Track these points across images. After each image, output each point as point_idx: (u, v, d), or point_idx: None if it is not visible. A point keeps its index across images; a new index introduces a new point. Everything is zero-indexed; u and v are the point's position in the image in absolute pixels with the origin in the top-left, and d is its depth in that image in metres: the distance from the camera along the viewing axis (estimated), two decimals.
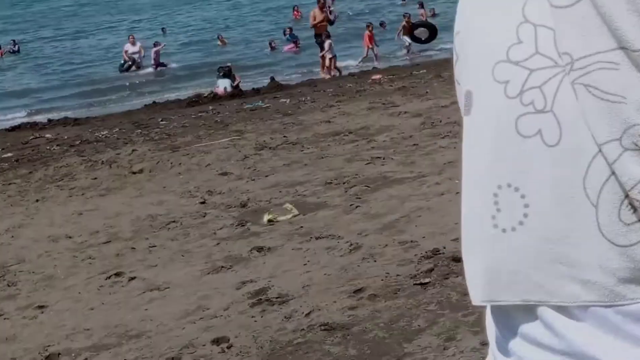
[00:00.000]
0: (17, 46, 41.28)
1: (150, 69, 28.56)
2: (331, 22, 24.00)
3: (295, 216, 7.72)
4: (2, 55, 39.84)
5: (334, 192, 8.35)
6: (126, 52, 28.64)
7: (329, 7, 25.30)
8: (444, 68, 17.33)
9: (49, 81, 30.19)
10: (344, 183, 8.65)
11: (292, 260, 6.54)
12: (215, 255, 6.98)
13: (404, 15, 26.13)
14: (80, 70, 31.95)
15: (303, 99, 15.68)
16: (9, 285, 7.06)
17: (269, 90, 18.64)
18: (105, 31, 46.01)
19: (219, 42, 33.13)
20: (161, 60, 28.79)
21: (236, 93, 18.67)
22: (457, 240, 6.09)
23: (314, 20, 23.64)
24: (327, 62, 21.36)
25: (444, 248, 6.12)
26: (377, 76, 17.51)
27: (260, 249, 6.90)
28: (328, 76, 20.51)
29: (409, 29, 23.01)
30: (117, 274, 6.88)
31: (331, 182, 8.75)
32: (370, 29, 24.40)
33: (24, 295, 6.77)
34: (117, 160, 11.88)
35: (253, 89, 19.12)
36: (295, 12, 38.53)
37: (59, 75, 31.78)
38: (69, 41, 43.02)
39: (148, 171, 10.93)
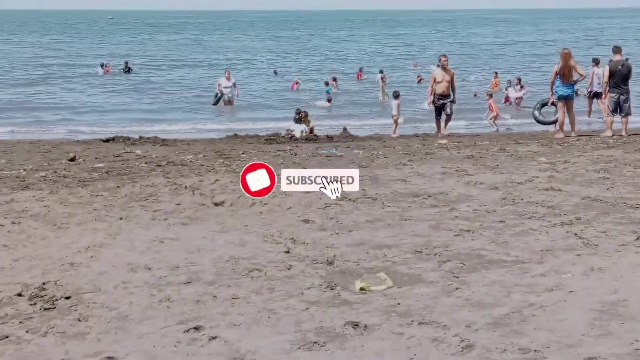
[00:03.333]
0: (127, 67, 40.46)
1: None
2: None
3: (389, 288, 6.04)
4: (108, 71, 38.83)
5: (426, 265, 6.65)
6: (219, 85, 27.17)
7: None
8: (505, 142, 15.66)
9: (150, 102, 29.06)
10: (435, 255, 6.96)
11: (395, 348, 4.85)
12: (305, 324, 5.30)
13: None
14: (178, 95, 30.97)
15: (375, 152, 14.02)
16: (79, 320, 5.45)
17: (341, 139, 17.03)
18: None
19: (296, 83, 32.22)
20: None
21: (311, 137, 17.08)
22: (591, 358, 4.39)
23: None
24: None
25: None
26: (444, 141, 15.81)
27: (355, 325, 5.23)
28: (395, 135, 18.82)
29: None
30: (197, 328, 5.24)
31: (421, 252, 7.06)
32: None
33: (94, 337, 5.14)
34: (200, 188, 10.28)
35: (327, 135, 17.52)
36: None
37: (161, 96, 30.78)
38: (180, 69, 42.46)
39: (229, 204, 9.32)
